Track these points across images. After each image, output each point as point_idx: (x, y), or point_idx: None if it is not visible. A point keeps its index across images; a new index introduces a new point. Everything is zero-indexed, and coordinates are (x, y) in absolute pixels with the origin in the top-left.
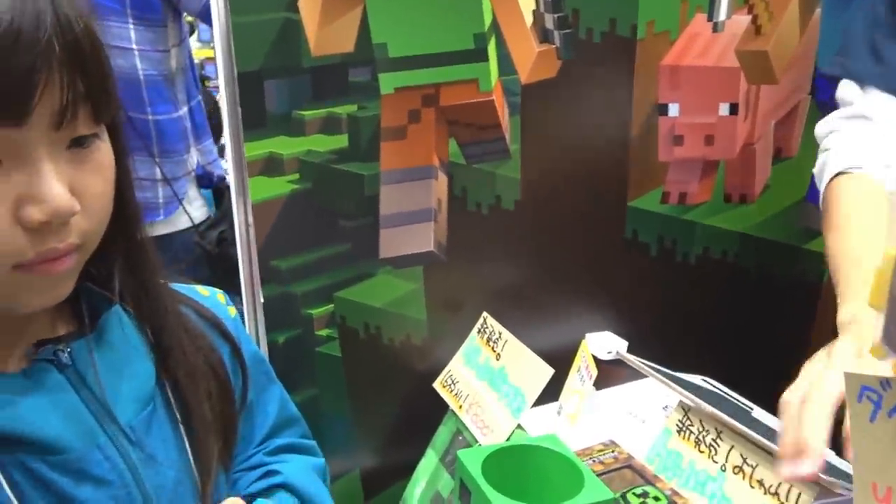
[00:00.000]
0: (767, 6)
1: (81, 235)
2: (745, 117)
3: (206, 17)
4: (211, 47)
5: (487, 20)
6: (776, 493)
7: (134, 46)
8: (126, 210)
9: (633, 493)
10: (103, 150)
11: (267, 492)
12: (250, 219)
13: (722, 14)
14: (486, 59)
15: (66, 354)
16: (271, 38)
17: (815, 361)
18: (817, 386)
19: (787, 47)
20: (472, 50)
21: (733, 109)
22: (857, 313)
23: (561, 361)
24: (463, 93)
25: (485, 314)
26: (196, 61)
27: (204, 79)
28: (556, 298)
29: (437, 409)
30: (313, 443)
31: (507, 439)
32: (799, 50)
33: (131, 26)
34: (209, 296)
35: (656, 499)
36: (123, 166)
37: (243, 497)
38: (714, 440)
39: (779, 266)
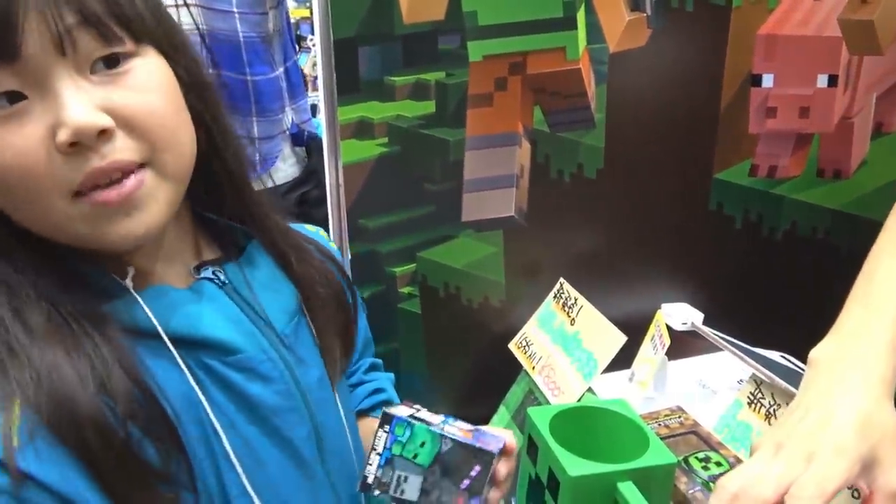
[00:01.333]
0: None
1: (138, 153)
2: (845, 90)
3: None
4: (307, 7)
5: None
6: None
7: (234, 10)
8: (218, 139)
9: (696, 458)
10: (145, 68)
11: (378, 406)
12: (341, 179)
13: None
14: (574, 27)
15: (222, 274)
16: (366, 6)
17: (766, 439)
18: (752, 485)
19: (895, 17)
20: (560, 18)
21: (832, 81)
22: (834, 353)
23: (636, 330)
24: (550, 61)
25: (561, 280)
26: (292, 21)
27: (300, 38)
28: (634, 268)
29: (512, 369)
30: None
31: (578, 401)
32: None
33: None
34: (316, 231)
35: (718, 464)
36: (204, 97)
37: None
38: (779, 409)
39: (872, 245)
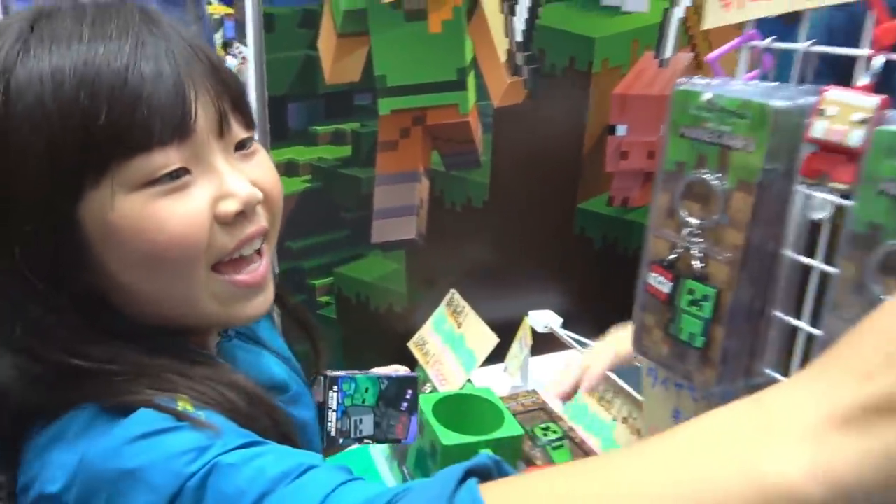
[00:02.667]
0: (710, 45)
1: (267, 221)
2: None
3: None
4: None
5: (468, 57)
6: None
7: None
8: None
9: (540, 427)
10: (262, 150)
11: None
12: None
13: (668, 52)
14: (465, 88)
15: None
16: (295, 70)
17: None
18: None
19: None
20: (454, 81)
21: None
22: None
23: (512, 331)
24: (445, 115)
25: (453, 291)
26: (216, 17)
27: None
28: (513, 281)
29: (412, 364)
30: None
31: (458, 390)
32: None
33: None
34: None
35: (554, 432)
36: None
37: None
38: (611, 397)
39: None
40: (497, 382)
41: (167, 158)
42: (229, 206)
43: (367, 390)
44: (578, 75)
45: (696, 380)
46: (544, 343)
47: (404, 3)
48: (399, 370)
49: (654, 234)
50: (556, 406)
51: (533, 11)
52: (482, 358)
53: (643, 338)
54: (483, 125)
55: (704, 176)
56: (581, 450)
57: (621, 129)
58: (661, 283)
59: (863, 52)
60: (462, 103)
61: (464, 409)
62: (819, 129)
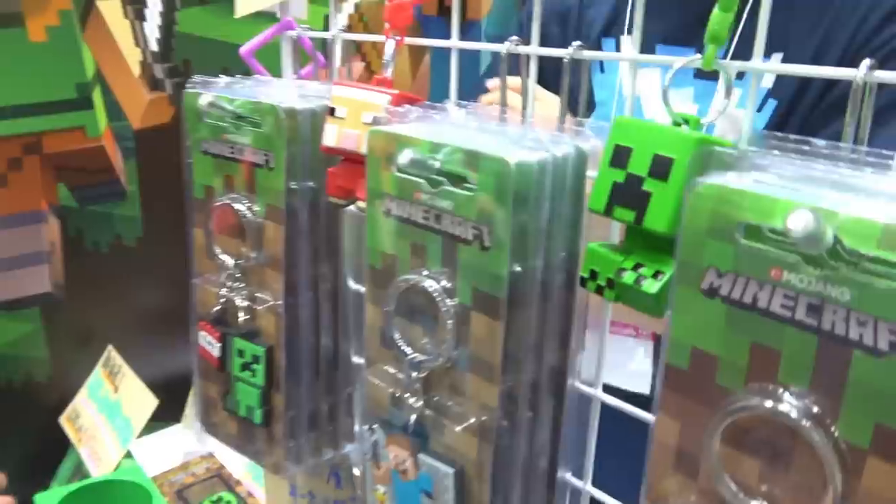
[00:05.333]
0: (379, 54)
1: None
2: None
3: None
4: None
5: (90, 71)
6: None
7: None
8: None
9: (210, 500)
10: None
11: None
12: None
13: (338, 61)
14: (91, 107)
15: None
16: None
17: None
18: None
19: (400, 89)
20: (74, 99)
21: None
22: None
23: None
24: (68, 140)
25: (109, 347)
26: None
27: None
28: (182, 327)
29: (63, 445)
30: None
31: (116, 468)
32: (412, 91)
33: None
34: None
35: (228, 502)
36: None
37: None
38: None
39: None
40: (170, 448)
41: None
42: None
43: None
44: None
45: (265, 463)
46: None
47: None
48: None
49: (196, 280)
50: (238, 468)
51: (168, 17)
52: (140, 426)
53: (210, 413)
54: (124, 150)
55: (232, 203)
56: None
57: None
58: (210, 343)
59: (379, 37)
60: (90, 125)
61: (106, 498)
62: (330, 135)
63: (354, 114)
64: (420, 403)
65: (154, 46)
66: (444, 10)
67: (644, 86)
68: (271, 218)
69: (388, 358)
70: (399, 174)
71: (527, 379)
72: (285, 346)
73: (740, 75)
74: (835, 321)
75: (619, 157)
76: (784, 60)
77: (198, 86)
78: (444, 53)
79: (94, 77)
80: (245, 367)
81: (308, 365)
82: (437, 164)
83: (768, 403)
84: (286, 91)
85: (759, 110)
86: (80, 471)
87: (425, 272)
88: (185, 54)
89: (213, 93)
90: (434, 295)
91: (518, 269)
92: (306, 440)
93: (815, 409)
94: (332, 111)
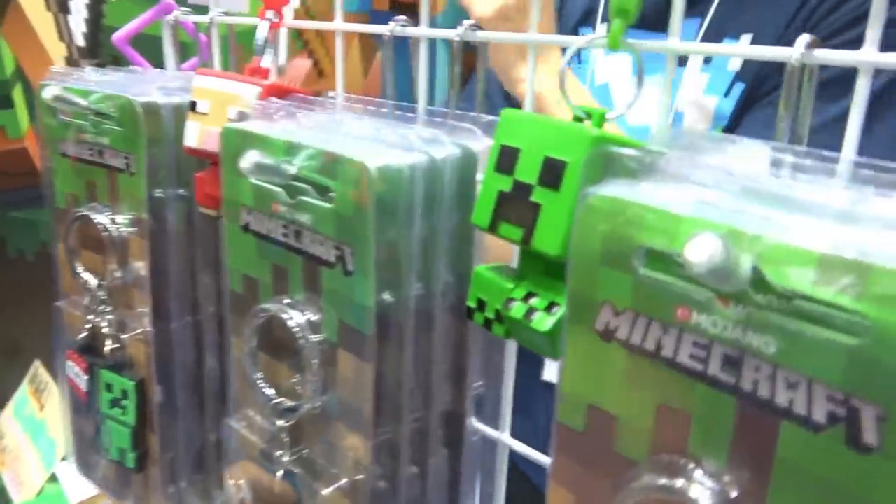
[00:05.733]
0: (328, 51)
1: None
2: None
3: None
4: None
5: (9, 68)
6: None
7: None
8: None
9: None
10: None
11: None
12: None
13: (280, 58)
14: (12, 106)
15: None
16: None
17: None
18: None
19: (353, 87)
20: None
21: None
22: None
23: None
24: None
25: (37, 362)
26: None
27: None
28: None
29: None
30: None
31: (39, 493)
32: (363, 91)
33: None
34: None
35: None
36: None
37: None
38: None
39: None
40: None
41: None
42: None
43: None
44: None
45: None
46: None
47: None
48: None
49: (60, 303)
50: None
51: (94, 9)
52: (65, 448)
53: (85, 453)
54: None
55: (91, 214)
56: None
57: None
58: (77, 375)
59: (254, 20)
60: (10, 125)
61: None
62: (192, 134)
63: (219, 109)
64: (287, 458)
65: (80, 41)
66: (396, 5)
67: (612, 73)
68: (136, 231)
69: (253, 402)
70: (256, 181)
71: (409, 429)
72: (158, 377)
73: (707, 60)
74: (757, 380)
75: (506, 159)
76: (753, 42)
77: (57, 78)
78: (397, 50)
79: (13, 74)
80: (114, 403)
81: (188, 397)
82: (292, 170)
83: (678, 483)
84: (157, 84)
85: (726, 95)
86: (2, 496)
87: (286, 300)
88: (114, 49)
89: (61, 85)
90: (294, 330)
91: (388, 297)
92: (189, 484)
93: (734, 495)
94: (193, 105)
